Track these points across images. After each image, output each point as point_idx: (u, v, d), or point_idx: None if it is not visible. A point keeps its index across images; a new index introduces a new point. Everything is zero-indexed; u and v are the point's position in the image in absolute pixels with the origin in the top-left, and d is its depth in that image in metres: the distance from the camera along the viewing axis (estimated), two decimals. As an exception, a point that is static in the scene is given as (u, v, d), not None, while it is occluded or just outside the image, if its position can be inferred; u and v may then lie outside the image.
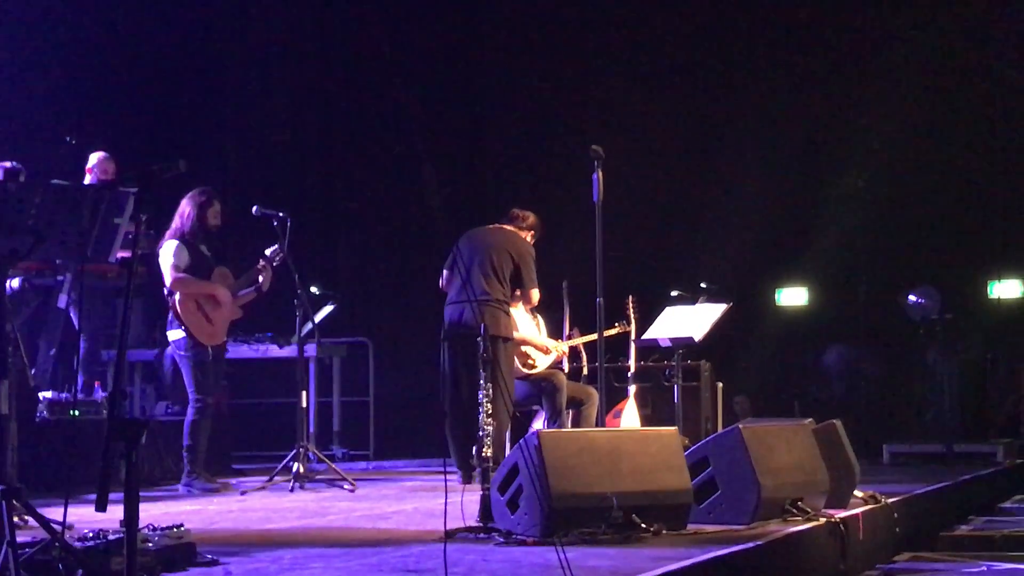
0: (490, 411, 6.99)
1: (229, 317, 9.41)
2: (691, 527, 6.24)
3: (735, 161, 14.79)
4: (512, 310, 9.78)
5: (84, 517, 5.46)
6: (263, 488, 9.19)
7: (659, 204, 14.58)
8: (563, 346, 10.36)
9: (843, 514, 6.87)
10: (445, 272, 9.80)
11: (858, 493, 7.47)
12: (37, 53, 12.58)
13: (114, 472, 3.95)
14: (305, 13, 15.42)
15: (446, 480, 7.23)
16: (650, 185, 14.11)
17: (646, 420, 10.88)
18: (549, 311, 10.50)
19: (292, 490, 9.05)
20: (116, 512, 3.95)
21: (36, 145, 11.16)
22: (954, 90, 14.61)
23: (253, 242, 10.51)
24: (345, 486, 9.24)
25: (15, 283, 9.34)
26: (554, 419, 9.71)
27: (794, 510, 6.66)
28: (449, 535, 5.70)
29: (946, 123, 14.54)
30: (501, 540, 5.93)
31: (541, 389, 9.85)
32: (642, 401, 11.08)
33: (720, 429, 10.29)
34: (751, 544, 5.77)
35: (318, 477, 9.60)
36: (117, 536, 4.82)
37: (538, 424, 9.93)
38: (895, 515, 7.70)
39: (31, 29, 12.56)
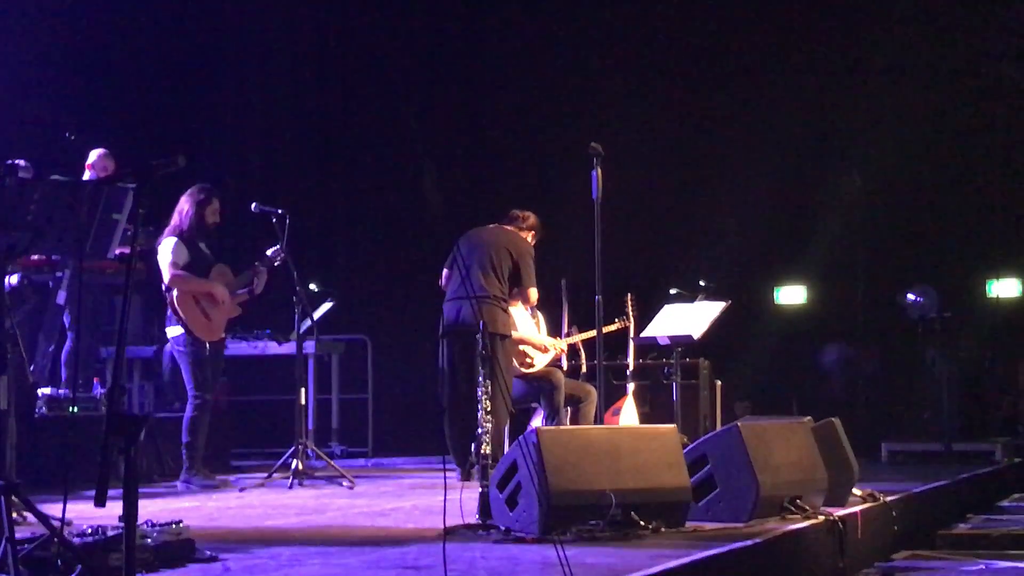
0: (489, 408, 6.99)
1: (227, 314, 9.42)
2: (689, 525, 6.24)
3: (734, 159, 14.79)
4: (511, 308, 9.80)
5: (83, 513, 5.47)
6: (262, 485, 9.20)
7: (658, 202, 14.57)
8: (562, 344, 10.36)
9: (841, 512, 6.87)
10: (445, 271, 9.83)
11: (856, 491, 7.47)
12: (37, 49, 12.58)
13: (113, 468, 3.95)
14: (304, 10, 15.40)
15: (445, 477, 7.25)
16: (649, 183, 14.10)
17: (645, 418, 10.88)
18: (548, 309, 10.51)
19: (291, 487, 9.06)
20: (115, 508, 3.94)
21: (35, 141, 11.15)
22: (952, 88, 14.60)
23: (252, 239, 10.52)
24: (344, 483, 9.25)
25: (14, 279, 9.32)
26: (552, 417, 9.71)
27: (792, 508, 6.66)
28: (448, 532, 5.70)
29: (944, 121, 14.53)
30: (500, 537, 5.94)
31: (539, 387, 9.85)
32: (641, 399, 11.08)
33: (718, 427, 10.30)
34: (749, 542, 5.77)
35: (317, 474, 9.60)
36: (116, 532, 4.82)
37: (536, 422, 9.93)
38: (893, 513, 7.70)
39: (31, 25, 12.56)
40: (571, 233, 10.38)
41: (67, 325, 10.30)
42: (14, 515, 4.76)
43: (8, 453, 4.91)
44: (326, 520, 7.15)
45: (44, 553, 4.64)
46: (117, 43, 13.48)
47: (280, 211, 9.48)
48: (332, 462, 9.87)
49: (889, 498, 7.70)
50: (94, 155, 10.28)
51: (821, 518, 6.61)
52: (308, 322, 10.21)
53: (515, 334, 9.87)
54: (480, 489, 6.38)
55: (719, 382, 11.74)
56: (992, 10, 14.57)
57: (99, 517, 5.21)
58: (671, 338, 10.52)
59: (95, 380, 10.51)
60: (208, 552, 5.26)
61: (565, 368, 10.48)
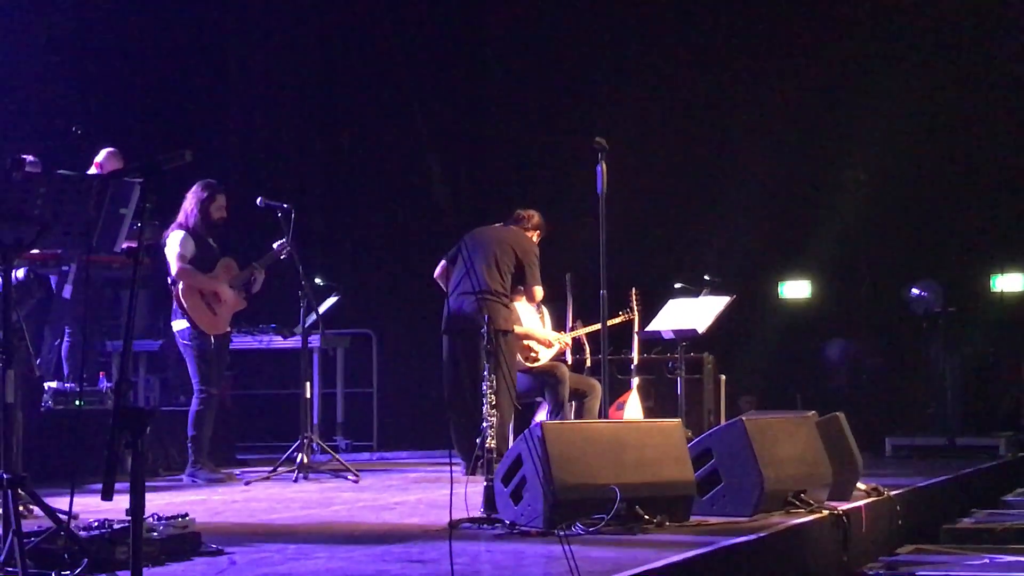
0: (494, 403, 7.00)
1: (233, 308, 9.44)
2: (694, 519, 6.25)
3: (739, 154, 14.78)
4: (516, 303, 9.83)
5: (88, 506, 5.48)
6: (267, 479, 9.21)
7: (663, 197, 14.57)
8: (566, 338, 10.37)
9: (846, 506, 6.88)
10: (443, 262, 9.83)
11: (861, 486, 7.48)
12: (44, 44, 12.59)
13: (119, 462, 3.96)
14: (311, 4, 15.41)
15: (451, 471, 7.26)
16: (654, 178, 14.10)
17: (649, 412, 10.89)
18: (553, 303, 10.52)
19: (296, 481, 9.08)
20: (121, 501, 3.96)
21: (42, 135, 11.17)
22: (957, 83, 14.58)
23: (257, 233, 10.53)
24: (349, 477, 9.27)
25: (20, 273, 9.31)
26: (556, 411, 9.72)
27: (797, 502, 6.67)
28: (453, 526, 5.71)
29: (949, 116, 14.51)
30: (505, 531, 5.96)
31: (544, 381, 9.86)
32: (645, 393, 11.08)
33: (723, 421, 10.33)
34: (754, 536, 5.78)
35: (322, 468, 9.62)
36: (122, 525, 4.84)
37: (541, 416, 9.94)
38: (898, 508, 7.70)
39: (38, 20, 12.57)
40: (576, 228, 10.38)
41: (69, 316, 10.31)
42: (20, 508, 4.76)
43: (15, 446, 4.92)
44: (331, 514, 7.16)
45: (50, 546, 4.66)
46: (124, 37, 13.49)
47: (286, 205, 9.50)
48: (337, 456, 9.88)
49: (893, 492, 7.71)
50: (102, 154, 10.28)
51: (825, 512, 6.62)
52: (313, 316, 10.23)
53: (520, 329, 9.89)
54: (485, 483, 6.39)
55: (723, 376, 11.75)
56: (997, 4, 14.54)
57: (105, 510, 5.22)
58: (676, 332, 10.52)
59: (101, 374, 10.53)
60: (214, 546, 5.28)
61: (570, 362, 10.48)
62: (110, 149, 10.30)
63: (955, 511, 9.13)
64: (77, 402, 9.47)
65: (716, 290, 11.16)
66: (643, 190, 13.38)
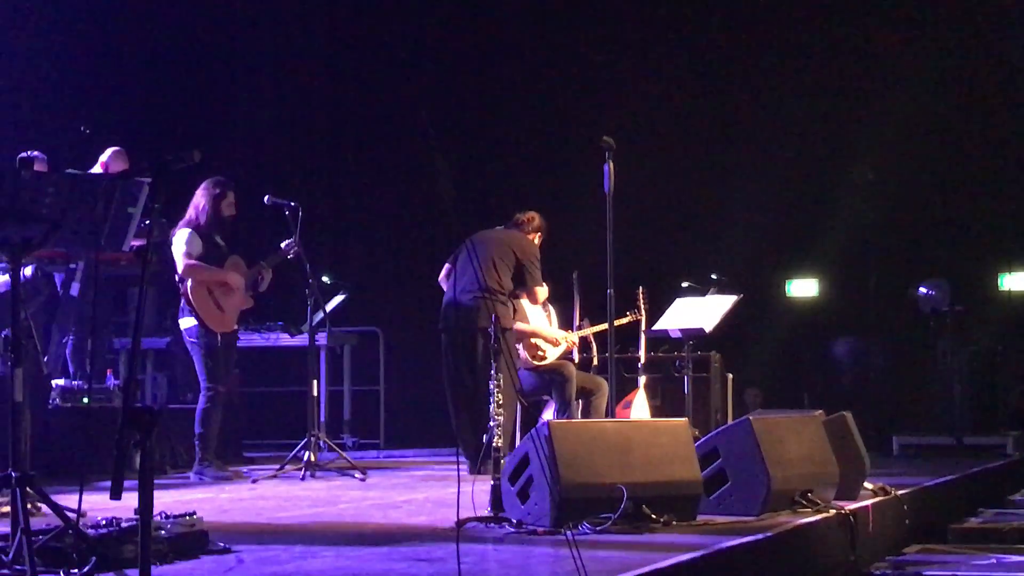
0: (500, 401, 7.01)
1: (240, 305, 9.45)
2: (701, 518, 6.24)
3: (746, 153, 14.78)
4: (523, 301, 9.86)
5: (96, 504, 5.49)
6: (274, 476, 9.23)
7: (670, 195, 14.57)
8: (573, 336, 10.38)
9: (853, 506, 6.87)
10: (447, 266, 9.88)
11: (868, 485, 7.48)
12: (51, 43, 12.62)
13: (128, 460, 3.97)
14: (317, 3, 15.43)
15: (459, 469, 7.26)
16: (661, 176, 14.09)
17: (656, 411, 10.89)
18: (560, 302, 10.53)
19: (303, 479, 9.09)
20: (129, 500, 3.97)
21: (50, 134, 11.19)
22: (965, 81, 14.58)
23: (265, 231, 10.55)
24: (356, 475, 9.28)
25: (28, 271, 9.37)
26: (563, 410, 9.73)
27: (804, 502, 6.66)
28: (460, 524, 5.71)
29: (957, 115, 14.51)
30: (512, 530, 5.95)
31: (551, 380, 9.87)
32: (652, 392, 11.08)
33: (730, 420, 10.32)
34: (761, 535, 5.78)
35: (329, 466, 9.63)
36: (130, 524, 4.85)
37: (548, 415, 9.95)
38: (905, 507, 7.70)
39: (47, 19, 12.60)
40: (583, 226, 10.39)
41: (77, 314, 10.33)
42: (29, 506, 4.77)
43: (23, 444, 4.93)
44: (338, 512, 7.17)
45: (59, 544, 4.66)
46: (131, 37, 13.52)
47: (293, 203, 9.52)
48: (344, 454, 9.89)
49: (900, 492, 7.70)
50: (107, 154, 10.30)
51: (832, 512, 6.62)
52: (320, 314, 10.24)
53: (527, 327, 9.91)
54: (492, 482, 6.40)
55: (731, 375, 11.75)
56: (1007, 5, 14.52)
57: (112, 508, 5.23)
58: (683, 331, 10.53)
59: (108, 371, 10.54)
60: (221, 544, 5.28)
61: (577, 361, 10.49)
62: (115, 148, 10.32)
63: (962, 510, 9.13)
64: (84, 400, 9.49)
65: (723, 289, 11.17)
66: (650, 189, 13.37)
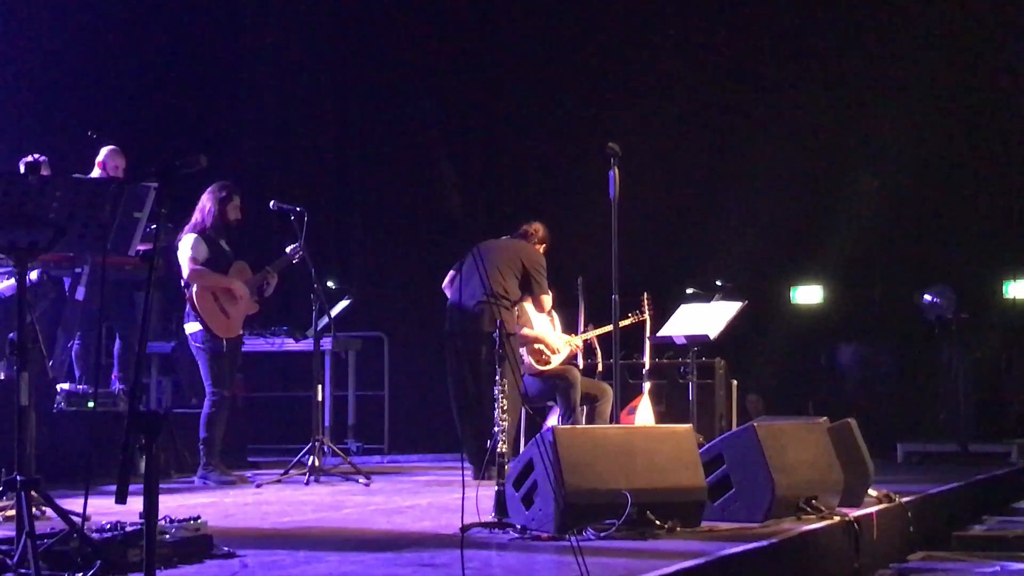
0: (505, 406, 7.02)
1: (245, 310, 9.46)
2: (705, 524, 6.25)
3: (751, 159, 14.77)
4: (527, 306, 9.87)
5: (100, 508, 5.50)
6: (278, 481, 9.23)
7: (675, 202, 14.57)
8: (577, 340, 10.39)
9: (857, 513, 6.88)
10: (451, 272, 9.90)
11: (872, 492, 7.48)
12: (58, 48, 12.64)
13: (133, 464, 3.98)
14: (324, 9, 15.44)
15: (463, 474, 7.25)
16: (666, 183, 14.10)
17: (660, 417, 10.89)
18: (564, 308, 10.53)
19: (307, 483, 9.09)
20: (133, 504, 3.97)
21: (58, 140, 11.21)
22: (970, 89, 14.57)
23: (270, 236, 10.56)
24: (360, 480, 9.28)
25: (33, 275, 9.37)
26: (568, 415, 9.73)
27: (808, 508, 6.66)
28: (464, 530, 5.72)
29: (962, 122, 14.50)
30: (516, 535, 5.96)
31: (555, 385, 9.87)
32: (657, 398, 11.08)
33: (734, 427, 10.31)
34: (765, 542, 5.78)
35: (333, 471, 9.63)
36: (134, 528, 4.86)
37: (552, 420, 9.95)
38: (909, 514, 7.70)
39: (53, 24, 12.61)
40: (588, 232, 10.40)
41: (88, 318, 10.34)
42: (34, 510, 4.78)
43: (28, 448, 4.94)
44: (342, 517, 7.17)
45: (63, 548, 4.67)
46: (137, 42, 13.54)
47: (298, 208, 9.53)
48: (348, 459, 9.89)
49: (905, 499, 7.70)
50: (103, 152, 10.31)
51: (837, 518, 6.62)
52: (325, 319, 10.25)
53: (531, 332, 9.91)
54: (496, 487, 6.40)
55: (735, 382, 11.75)
56: (1010, 10, 14.51)
57: (117, 512, 5.23)
58: (687, 337, 10.52)
59: (113, 376, 10.55)
60: (225, 548, 5.29)
61: (581, 366, 10.49)
62: (111, 147, 10.32)
63: (967, 518, 9.12)
64: (90, 404, 9.50)
65: (728, 295, 11.16)
66: (655, 195, 13.38)
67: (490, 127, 15.70)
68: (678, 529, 6.01)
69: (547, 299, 9.87)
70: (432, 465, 11.74)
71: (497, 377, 6.99)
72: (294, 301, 10.93)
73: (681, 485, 6.23)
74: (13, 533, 4.69)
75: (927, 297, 13.57)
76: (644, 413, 10.76)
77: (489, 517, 6.25)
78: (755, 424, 6.75)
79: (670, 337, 10.66)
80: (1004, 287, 14.39)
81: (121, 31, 13.35)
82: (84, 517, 4.90)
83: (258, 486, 9.06)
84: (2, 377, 8.63)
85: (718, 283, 11.53)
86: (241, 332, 9.55)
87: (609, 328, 8.68)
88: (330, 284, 11.87)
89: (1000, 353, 13.78)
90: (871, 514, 7.00)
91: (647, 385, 10.93)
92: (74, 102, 12.53)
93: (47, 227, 4.85)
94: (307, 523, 6.85)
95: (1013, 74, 14.49)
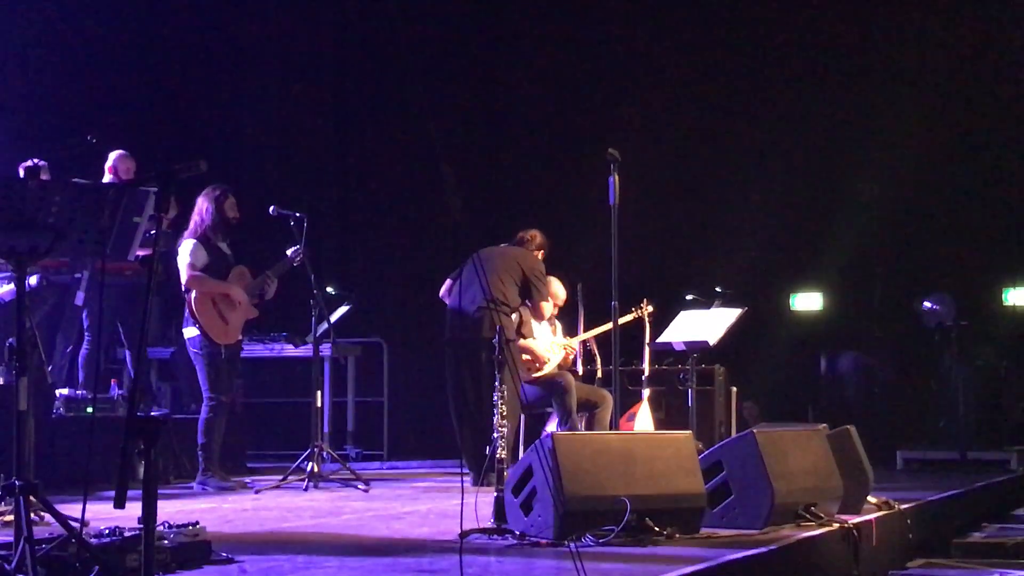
0: (504, 413, 7.01)
1: (244, 316, 9.45)
2: (704, 531, 6.24)
3: (751, 166, 14.79)
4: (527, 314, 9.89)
5: (99, 513, 5.49)
6: (277, 487, 9.22)
7: (675, 208, 14.58)
8: (573, 342, 10.40)
9: (856, 520, 6.87)
10: (448, 281, 9.90)
11: (871, 499, 7.47)
12: (57, 52, 12.64)
13: (131, 469, 3.97)
14: (324, 13, 15.45)
15: (463, 481, 7.26)
16: (666, 189, 14.12)
17: (660, 423, 10.89)
18: (564, 313, 10.53)
19: (306, 489, 9.08)
20: (132, 509, 3.97)
21: (57, 144, 11.20)
22: (970, 97, 14.58)
23: (270, 242, 10.55)
24: (359, 486, 9.27)
25: (33, 280, 9.36)
26: (565, 420, 9.73)
27: (807, 515, 6.66)
28: (463, 536, 5.71)
29: (962, 129, 14.51)
30: (515, 542, 5.95)
31: (551, 391, 9.87)
32: (656, 405, 11.08)
33: (734, 433, 10.31)
34: (764, 549, 5.78)
35: (332, 477, 9.62)
36: (133, 533, 4.85)
37: (551, 427, 9.95)
38: (908, 521, 7.70)
39: (52, 28, 12.61)
40: (588, 238, 10.40)
41: (85, 327, 10.34)
42: (32, 515, 4.78)
43: (27, 453, 4.94)
44: (341, 523, 7.17)
45: (62, 553, 4.66)
46: (137, 46, 13.53)
47: (298, 214, 9.53)
48: (347, 465, 9.89)
49: (904, 506, 7.70)
50: (112, 157, 10.32)
51: (836, 526, 6.62)
52: (325, 325, 10.24)
53: (523, 341, 9.92)
54: (495, 493, 6.40)
55: (735, 388, 11.75)
56: (1011, 17, 14.53)
57: (116, 518, 5.23)
58: (687, 344, 10.53)
59: (112, 381, 10.55)
60: (224, 554, 5.28)
61: (580, 373, 10.49)
62: (121, 152, 10.34)
63: (966, 525, 9.12)
64: (89, 409, 9.49)
65: (728, 302, 11.16)
66: (655, 201, 13.39)
67: (491, 133, 15.70)
68: (677, 536, 6.01)
69: (547, 306, 9.88)
70: (431, 471, 11.74)
71: (496, 383, 6.99)
72: (294, 307, 10.91)
73: (680, 492, 6.23)
74: (12, 538, 4.68)
75: (927, 304, 13.58)
76: (643, 420, 10.76)
77: (488, 523, 6.25)
78: (754, 431, 6.75)
79: (669, 344, 10.66)
80: (1004, 294, 14.41)
81: (120, 35, 13.35)
82: (83, 522, 4.89)
83: (257, 492, 9.06)
84: (1, 382, 8.62)
85: (718, 290, 11.53)
86: (240, 338, 9.54)
87: (608, 327, 8.67)
88: (330, 290, 11.85)
89: (999, 360, 13.77)
90: (870, 521, 7.00)
91: (647, 392, 10.93)
92: (73, 107, 12.52)
93: (46, 232, 4.84)
94: (306, 529, 6.85)
95: (1013, 82, 14.50)
